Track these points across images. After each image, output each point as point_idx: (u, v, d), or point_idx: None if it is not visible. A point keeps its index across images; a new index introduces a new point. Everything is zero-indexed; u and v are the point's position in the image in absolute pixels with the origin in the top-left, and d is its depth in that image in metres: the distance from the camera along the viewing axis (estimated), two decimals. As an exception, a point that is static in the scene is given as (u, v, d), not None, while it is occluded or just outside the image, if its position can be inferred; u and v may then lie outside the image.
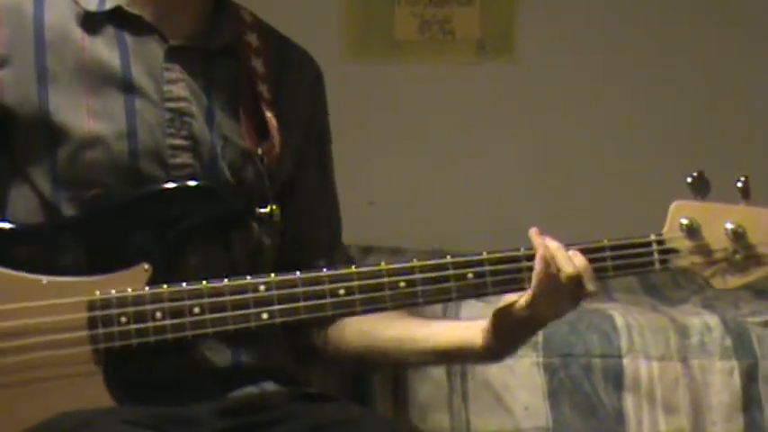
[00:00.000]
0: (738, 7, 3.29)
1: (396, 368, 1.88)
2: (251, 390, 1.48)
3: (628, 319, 2.08)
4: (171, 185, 1.45)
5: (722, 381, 2.01)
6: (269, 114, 1.53)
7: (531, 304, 1.41)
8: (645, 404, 2.00)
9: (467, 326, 1.52)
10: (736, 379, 2.01)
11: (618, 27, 3.31)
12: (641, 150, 3.21)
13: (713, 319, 2.09)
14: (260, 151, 1.50)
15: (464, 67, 3.33)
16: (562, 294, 1.41)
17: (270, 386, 1.50)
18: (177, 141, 1.47)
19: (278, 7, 1.78)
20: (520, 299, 1.43)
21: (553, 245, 1.41)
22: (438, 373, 2.01)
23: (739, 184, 1.44)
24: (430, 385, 2.01)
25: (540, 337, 2.03)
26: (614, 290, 2.71)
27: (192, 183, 1.45)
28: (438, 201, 3.22)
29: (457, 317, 2.02)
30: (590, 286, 1.41)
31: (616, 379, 2.01)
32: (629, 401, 2.00)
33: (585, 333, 2.04)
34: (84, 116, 1.44)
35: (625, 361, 2.02)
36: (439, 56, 3.34)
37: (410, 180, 3.28)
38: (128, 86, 1.46)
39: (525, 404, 1.99)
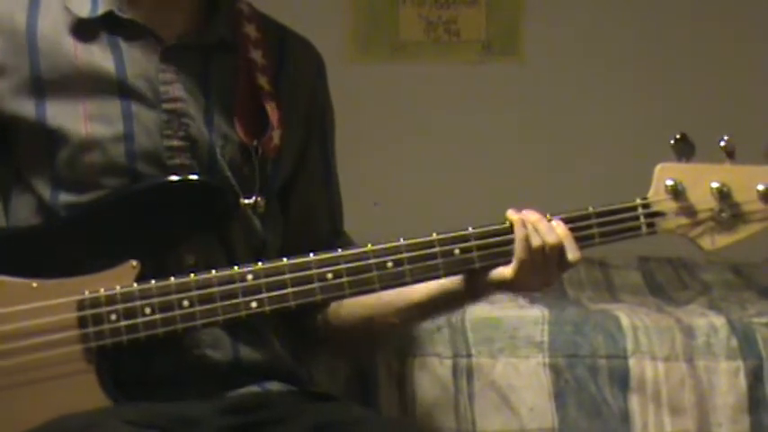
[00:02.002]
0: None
1: (385, 333, 1.87)
2: (253, 388, 1.48)
3: (633, 320, 2.08)
4: (154, 182, 1.45)
5: (728, 381, 2.01)
6: (270, 106, 1.52)
7: (517, 271, 1.42)
8: (650, 405, 2.00)
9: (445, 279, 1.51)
10: (742, 380, 2.01)
11: (621, 26, 3.30)
12: (648, 151, 3.20)
13: (719, 320, 2.09)
14: (255, 143, 1.49)
15: (469, 67, 3.33)
16: (548, 264, 1.42)
17: (272, 385, 1.50)
18: (175, 143, 1.47)
19: (282, 8, 1.78)
20: (505, 270, 1.43)
21: (534, 217, 1.42)
22: (444, 372, 2.00)
23: (723, 144, 1.43)
24: (435, 385, 2.00)
25: (545, 337, 2.03)
26: (620, 290, 2.70)
27: (174, 179, 1.45)
28: (443, 201, 3.22)
29: (462, 321, 2.03)
30: (572, 255, 1.42)
31: (622, 380, 2.00)
32: (634, 402, 2.00)
33: (591, 334, 2.04)
34: (81, 120, 1.45)
35: (631, 362, 2.01)
36: (444, 57, 3.34)
37: (415, 181, 3.28)
38: (124, 90, 1.47)
39: (531, 405, 1.99)
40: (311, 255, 1.42)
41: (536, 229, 1.41)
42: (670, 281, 2.80)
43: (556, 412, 1.99)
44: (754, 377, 2.01)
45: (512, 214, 1.44)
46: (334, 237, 1.64)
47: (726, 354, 2.02)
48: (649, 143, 3.20)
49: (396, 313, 1.55)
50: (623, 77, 3.30)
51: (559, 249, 1.42)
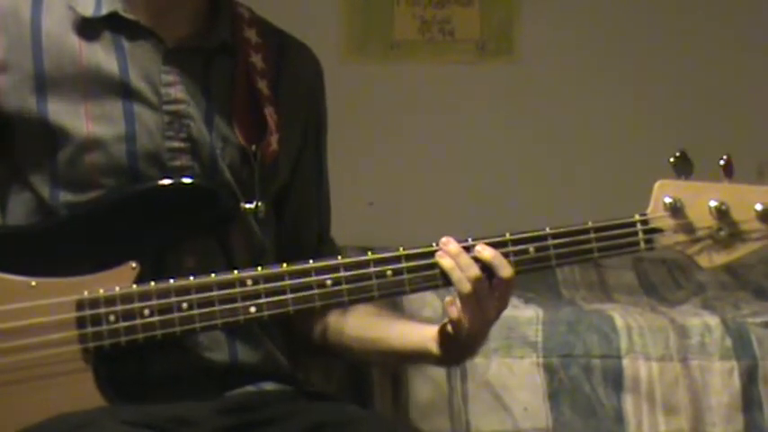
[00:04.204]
0: (737, 13, 3.31)
1: (364, 363, 1.90)
2: (249, 388, 1.48)
3: (627, 320, 2.08)
4: (156, 184, 1.45)
5: (722, 381, 2.01)
6: (268, 111, 1.53)
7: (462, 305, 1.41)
8: (644, 405, 2.00)
9: (422, 333, 1.51)
10: (736, 380, 2.01)
11: (617, 27, 3.31)
12: (641, 149, 3.21)
13: (713, 320, 2.09)
14: (254, 148, 1.50)
15: (464, 67, 3.33)
16: (484, 294, 1.41)
17: (268, 385, 1.50)
18: (176, 144, 1.47)
19: (277, 8, 1.78)
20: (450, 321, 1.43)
21: (454, 249, 1.40)
22: (438, 373, 2.01)
23: (722, 162, 1.43)
24: (430, 385, 2.00)
25: (539, 337, 2.03)
26: (614, 290, 2.71)
27: (175, 181, 1.45)
28: (437, 201, 3.22)
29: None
30: (504, 272, 1.40)
31: (616, 379, 2.01)
32: (628, 402, 2.00)
33: (585, 334, 2.04)
34: (83, 120, 1.44)
35: (625, 361, 2.01)
36: (438, 56, 3.34)
37: (409, 180, 3.28)
38: (126, 91, 1.46)
39: (525, 405, 1.99)
40: (311, 261, 1.41)
41: (458, 264, 1.40)
42: (664, 281, 2.81)
43: (550, 412, 1.99)
44: (749, 377, 2.01)
45: (440, 257, 1.42)
46: (321, 243, 1.65)
47: (720, 354, 2.03)
48: (645, 141, 3.23)
49: (377, 355, 1.59)
50: (618, 77, 3.30)
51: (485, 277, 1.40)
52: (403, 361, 1.75)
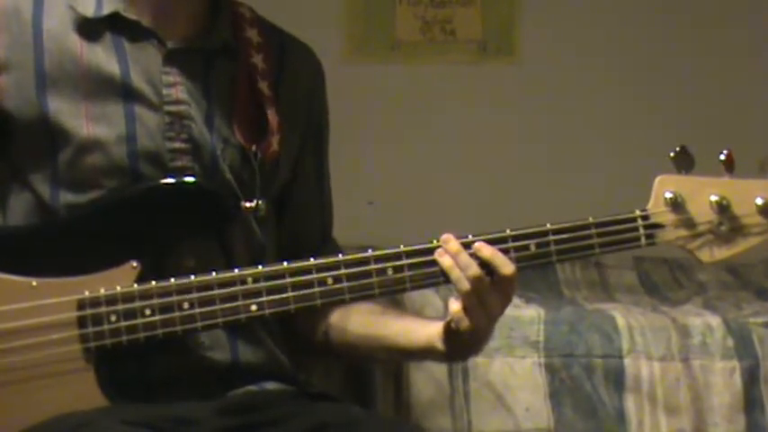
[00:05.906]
0: (736, 11, 3.31)
1: (367, 362, 1.91)
2: (251, 388, 1.48)
3: (629, 320, 2.08)
4: (157, 183, 1.45)
5: (723, 381, 2.01)
6: (269, 111, 1.52)
7: (463, 301, 1.41)
8: (646, 405, 2.00)
9: (427, 330, 1.51)
10: (738, 380, 2.01)
11: (618, 27, 3.31)
12: (642, 144, 3.21)
13: (715, 320, 2.09)
14: (254, 148, 1.49)
15: (465, 67, 3.33)
16: (485, 291, 1.41)
17: (270, 385, 1.50)
18: (177, 145, 1.47)
19: (278, 8, 1.78)
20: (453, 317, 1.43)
21: (454, 247, 1.40)
22: (439, 373, 2.01)
23: (722, 157, 1.44)
24: (432, 386, 2.00)
25: (541, 337, 2.03)
26: (615, 290, 2.71)
27: (175, 181, 1.44)
28: (438, 201, 3.22)
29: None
30: (505, 269, 1.40)
31: (617, 379, 2.01)
32: (630, 402, 2.00)
33: (587, 333, 2.04)
34: (84, 121, 1.44)
35: (626, 361, 2.01)
36: (440, 56, 3.34)
37: (410, 180, 3.28)
38: (127, 92, 1.46)
39: (526, 405, 1.99)
40: (312, 259, 1.41)
41: (457, 263, 1.40)
42: (665, 281, 2.81)
43: (551, 412, 1.99)
44: (750, 377, 2.01)
45: (439, 255, 1.42)
46: (323, 243, 1.64)
47: (721, 353, 2.03)
48: (645, 141, 3.23)
49: (382, 352, 1.58)
50: (619, 77, 3.30)
51: (486, 276, 1.40)
52: (408, 358, 1.75)
